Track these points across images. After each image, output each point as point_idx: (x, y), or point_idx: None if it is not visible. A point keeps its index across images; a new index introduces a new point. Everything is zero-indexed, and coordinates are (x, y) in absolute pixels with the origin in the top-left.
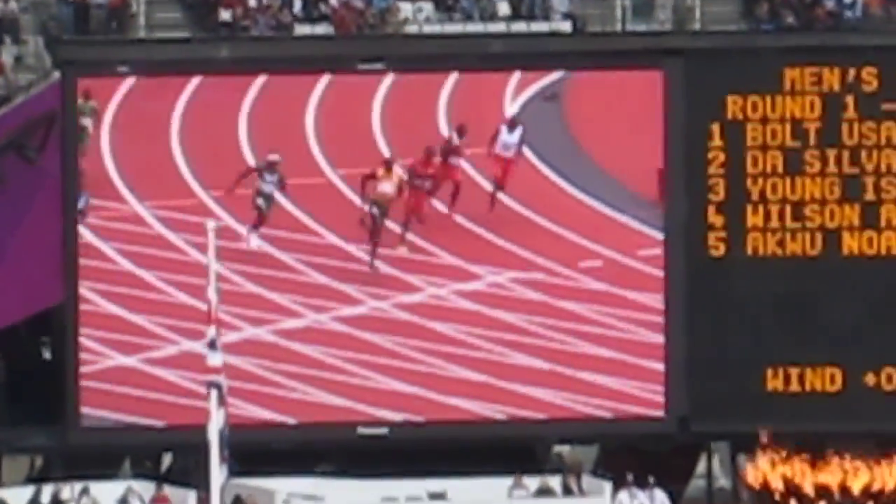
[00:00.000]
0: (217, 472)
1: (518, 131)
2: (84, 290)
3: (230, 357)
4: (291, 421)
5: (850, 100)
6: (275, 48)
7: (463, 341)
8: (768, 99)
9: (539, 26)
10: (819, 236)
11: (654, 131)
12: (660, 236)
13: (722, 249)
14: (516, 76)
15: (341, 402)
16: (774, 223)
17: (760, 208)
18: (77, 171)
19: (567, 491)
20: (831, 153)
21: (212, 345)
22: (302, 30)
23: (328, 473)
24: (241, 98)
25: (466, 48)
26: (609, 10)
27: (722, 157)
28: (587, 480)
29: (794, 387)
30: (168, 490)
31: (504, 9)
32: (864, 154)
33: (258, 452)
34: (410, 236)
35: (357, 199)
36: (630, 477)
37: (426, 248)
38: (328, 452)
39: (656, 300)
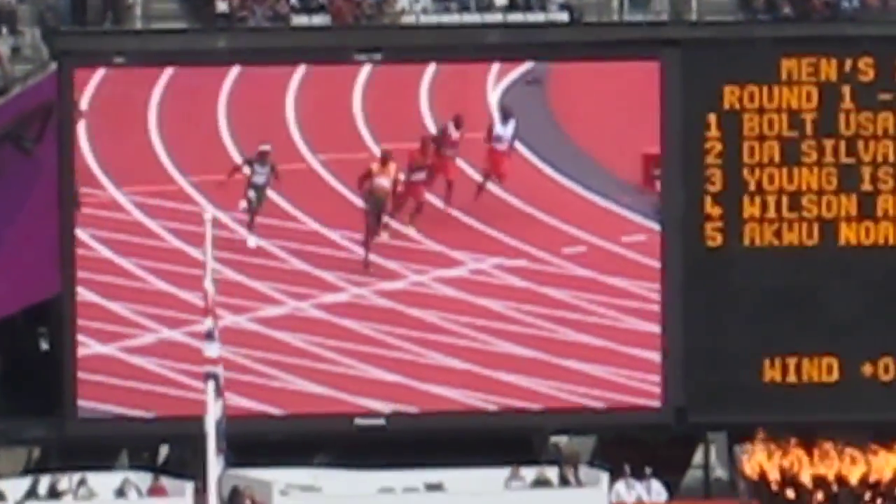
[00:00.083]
0: (214, 464)
1: (511, 124)
2: (80, 281)
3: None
4: (275, 411)
5: (846, 90)
6: (272, 39)
7: (446, 329)
8: (765, 89)
9: (536, 17)
10: (816, 226)
11: (651, 121)
12: (647, 223)
13: (719, 240)
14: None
15: (324, 390)
16: (771, 213)
17: (757, 199)
18: (73, 162)
19: (564, 482)
20: (828, 143)
21: (209, 335)
22: (299, 20)
23: (325, 464)
24: (220, 85)
25: (463, 38)
26: (606, 1)
27: (719, 147)
28: (584, 471)
29: (792, 377)
30: (165, 481)
31: None
32: (860, 144)
33: (251, 444)
34: (395, 223)
35: (339, 186)
36: (627, 468)
37: (409, 235)
38: (323, 443)
39: (646, 288)
